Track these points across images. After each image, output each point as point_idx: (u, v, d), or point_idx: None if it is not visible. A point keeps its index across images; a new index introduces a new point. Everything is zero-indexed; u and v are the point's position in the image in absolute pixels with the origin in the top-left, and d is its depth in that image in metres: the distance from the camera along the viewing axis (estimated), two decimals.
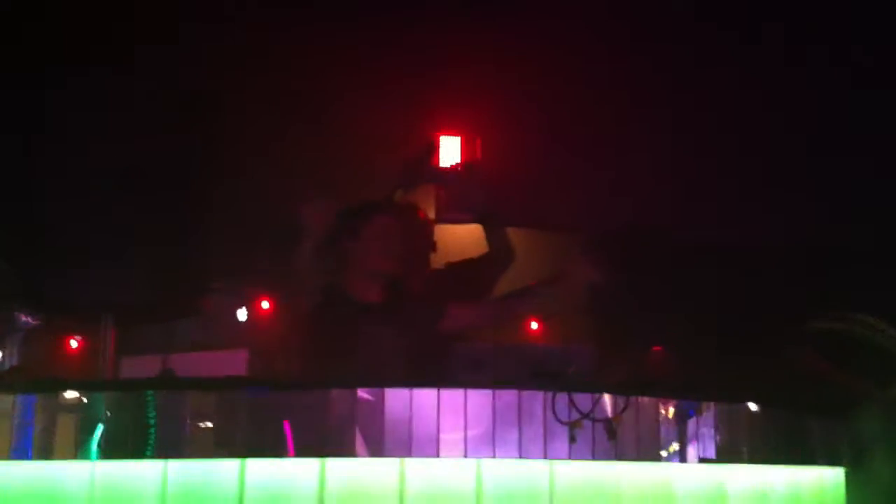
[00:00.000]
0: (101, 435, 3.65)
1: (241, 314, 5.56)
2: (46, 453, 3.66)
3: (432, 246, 5.01)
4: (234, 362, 5.01)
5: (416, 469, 3.66)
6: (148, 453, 3.62)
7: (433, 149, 5.17)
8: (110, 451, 3.63)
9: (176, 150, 6.06)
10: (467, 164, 5.25)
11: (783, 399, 4.41)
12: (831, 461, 4.54)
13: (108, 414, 3.69)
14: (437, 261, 5.09)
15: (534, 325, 5.70)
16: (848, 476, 4.62)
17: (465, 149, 6.80)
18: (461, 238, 5.22)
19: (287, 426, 3.69)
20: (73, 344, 5.21)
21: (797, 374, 5.14)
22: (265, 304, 5.47)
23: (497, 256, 5.01)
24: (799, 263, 6.57)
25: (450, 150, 6.83)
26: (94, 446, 3.64)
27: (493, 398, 3.80)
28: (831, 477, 4.56)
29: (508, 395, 3.82)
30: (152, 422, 3.67)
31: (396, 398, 3.74)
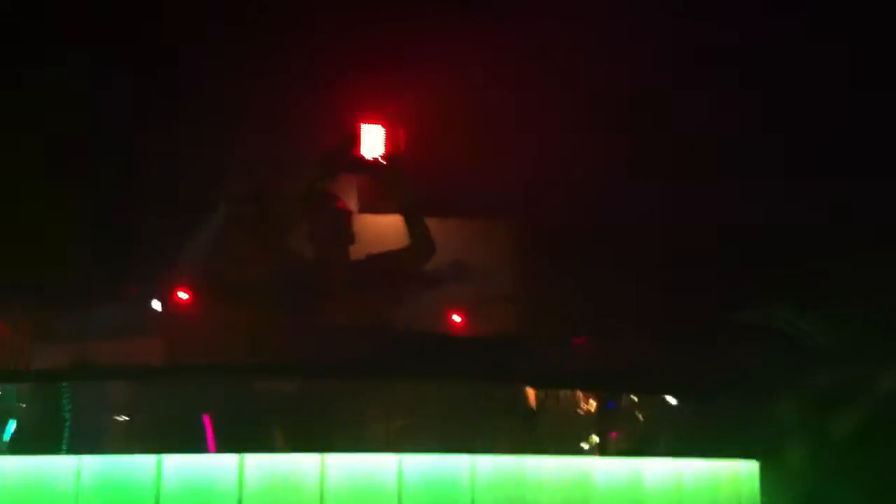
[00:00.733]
0: (13, 429, 3.57)
1: (159, 302, 5.48)
2: None
3: (351, 236, 4.99)
4: (152, 352, 4.93)
5: (337, 463, 3.64)
6: (62, 448, 3.55)
7: (354, 139, 5.15)
8: (22, 445, 3.55)
9: (92, 129, 5.92)
10: (389, 155, 5.23)
11: (699, 391, 4.48)
12: (746, 453, 4.63)
13: (21, 406, 3.60)
14: (358, 251, 5.07)
15: (456, 318, 5.71)
16: (762, 468, 4.72)
17: (389, 138, 6.77)
18: (382, 229, 5.20)
19: (206, 420, 3.64)
20: None
21: (715, 366, 5.22)
22: (183, 294, 5.40)
23: (418, 249, 5.01)
24: (722, 256, 6.66)
25: (373, 140, 6.80)
26: (4, 441, 3.55)
27: (416, 390, 3.80)
28: (746, 469, 4.65)
29: (431, 388, 3.82)
30: (67, 415, 3.60)
31: (315, 390, 3.71)
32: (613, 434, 4.06)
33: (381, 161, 5.10)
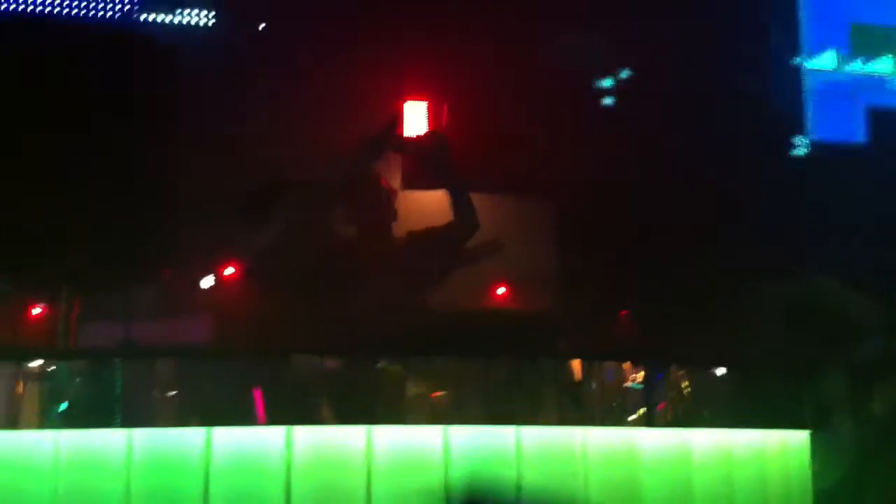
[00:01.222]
0: (67, 404, 3.62)
1: (205, 282, 5.53)
2: (11, 423, 3.62)
3: (394, 215, 4.98)
4: (198, 330, 4.98)
5: (384, 435, 3.66)
6: (114, 422, 3.60)
7: (398, 119, 5.13)
8: (76, 419, 3.60)
9: (133, 114, 5.97)
10: (434, 133, 5.19)
11: (749, 363, 4.44)
12: (796, 424, 4.58)
13: (74, 382, 3.65)
14: (402, 229, 5.08)
15: (501, 291, 5.70)
16: (812, 438, 4.67)
17: (432, 114, 6.76)
18: (426, 206, 5.19)
19: (255, 394, 3.67)
20: (36, 311, 5.15)
21: (762, 338, 5.18)
22: (229, 272, 5.44)
23: (462, 226, 5.00)
24: (761, 229, 6.61)
25: (416, 116, 6.79)
26: (59, 415, 3.60)
27: (460, 366, 3.80)
28: (796, 439, 4.60)
29: (475, 363, 3.81)
30: (118, 390, 3.64)
31: (362, 366, 3.73)
32: (660, 406, 4.04)
33: (427, 139, 5.08)
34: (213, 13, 6.64)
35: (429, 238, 5.04)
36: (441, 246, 5.02)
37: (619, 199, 6.78)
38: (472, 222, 5.03)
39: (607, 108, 6.94)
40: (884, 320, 5.22)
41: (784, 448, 4.48)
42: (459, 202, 4.99)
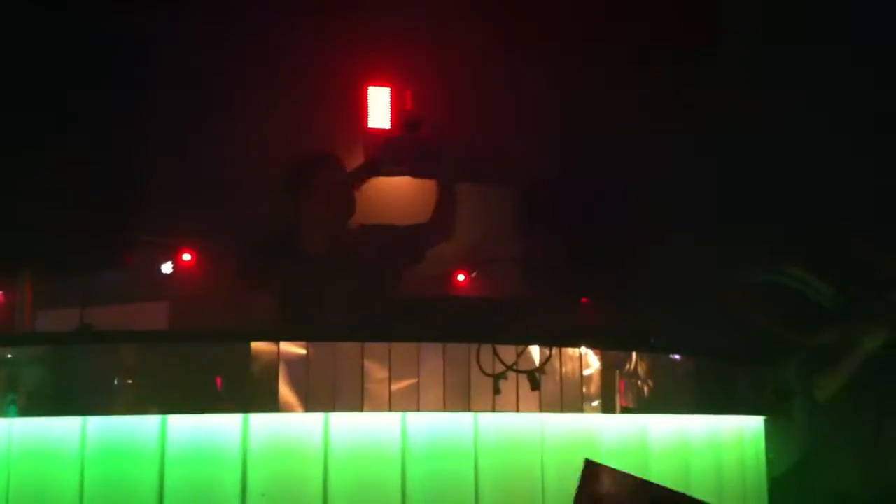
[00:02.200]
0: (20, 391, 3.57)
1: (165, 266, 5.48)
2: None
3: (353, 204, 4.97)
4: (155, 315, 4.94)
5: (342, 423, 3.65)
6: (68, 409, 3.56)
7: (415, 126, 5.08)
8: (28, 407, 3.56)
9: (102, 95, 5.91)
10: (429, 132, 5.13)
11: (706, 349, 4.47)
12: (752, 410, 4.63)
13: (27, 369, 3.60)
14: (369, 218, 5.07)
15: (460, 277, 5.69)
16: (767, 425, 4.72)
17: (395, 100, 6.75)
18: (403, 200, 5.18)
19: (211, 381, 3.64)
20: None
21: (721, 324, 5.22)
22: (187, 256, 5.39)
23: (435, 228, 5.01)
24: (729, 214, 6.64)
25: (379, 102, 6.78)
26: (11, 403, 3.56)
27: (418, 351, 3.79)
28: (751, 426, 4.65)
29: (433, 348, 3.81)
30: (72, 377, 3.60)
31: (321, 351, 3.71)
32: (619, 392, 4.05)
33: (423, 141, 5.04)
34: None
35: (396, 231, 5.04)
36: (408, 242, 5.03)
37: (579, 185, 6.79)
38: (446, 229, 5.04)
39: (575, 93, 6.94)
40: (840, 305, 5.27)
41: (740, 435, 4.53)
42: (442, 207, 5.00)
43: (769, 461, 4.66)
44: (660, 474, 4.06)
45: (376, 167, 4.99)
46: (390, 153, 5.01)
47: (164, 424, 3.54)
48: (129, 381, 3.60)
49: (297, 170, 4.96)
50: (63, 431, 3.53)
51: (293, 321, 4.66)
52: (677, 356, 4.33)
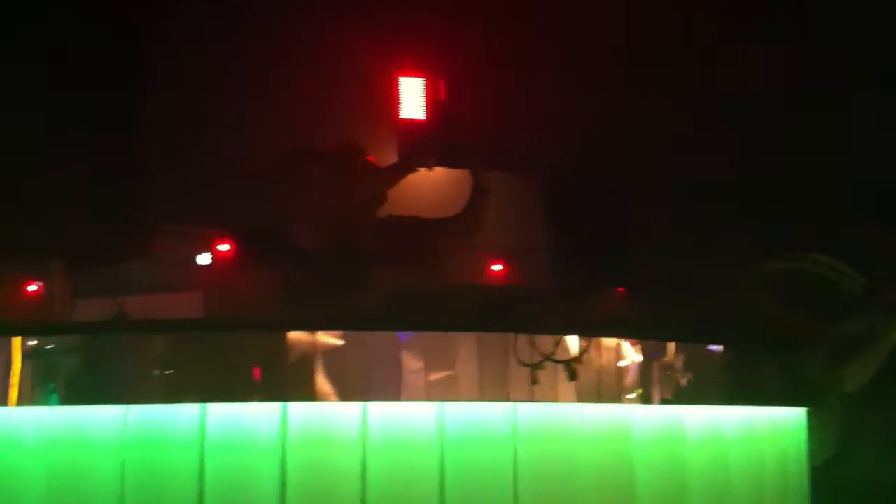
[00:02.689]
0: (59, 380, 3.59)
1: (199, 255, 5.49)
2: (3, 399, 3.60)
3: (394, 192, 4.97)
4: (193, 304, 4.96)
5: (378, 412, 3.65)
6: (107, 398, 3.58)
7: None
8: (69, 396, 3.58)
9: (130, 86, 5.93)
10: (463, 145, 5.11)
11: (746, 340, 4.43)
12: (793, 401, 4.58)
13: (66, 358, 3.62)
14: (404, 209, 5.07)
15: (496, 267, 5.67)
16: (809, 415, 4.67)
17: (428, 90, 6.73)
18: (435, 191, 5.18)
19: (249, 370, 3.65)
20: (28, 288, 5.13)
21: (757, 313, 5.17)
22: (223, 247, 5.40)
23: (474, 217, 5.01)
24: (757, 201, 6.60)
25: (411, 92, 6.76)
26: (52, 392, 3.58)
27: (455, 340, 3.78)
28: (792, 416, 4.60)
29: (469, 337, 3.80)
30: (111, 366, 3.62)
31: (356, 341, 3.71)
32: (657, 382, 4.03)
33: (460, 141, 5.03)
34: None
35: (430, 222, 5.05)
36: (443, 232, 5.03)
37: (616, 175, 6.76)
38: (481, 219, 5.04)
39: (609, 80, 6.91)
40: (871, 293, 5.22)
41: (781, 426, 4.49)
42: (476, 197, 5.00)
43: (811, 452, 4.62)
44: (696, 466, 4.04)
45: (411, 160, 4.99)
46: (425, 146, 5.01)
47: (203, 413, 3.55)
48: (167, 371, 3.61)
49: (329, 158, 4.97)
50: (103, 420, 3.54)
51: (329, 310, 4.67)
52: (716, 346, 4.29)
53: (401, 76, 7.38)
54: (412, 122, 7.06)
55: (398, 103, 7.15)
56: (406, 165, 5.03)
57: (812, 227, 5.99)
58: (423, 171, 5.07)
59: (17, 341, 3.61)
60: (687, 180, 6.83)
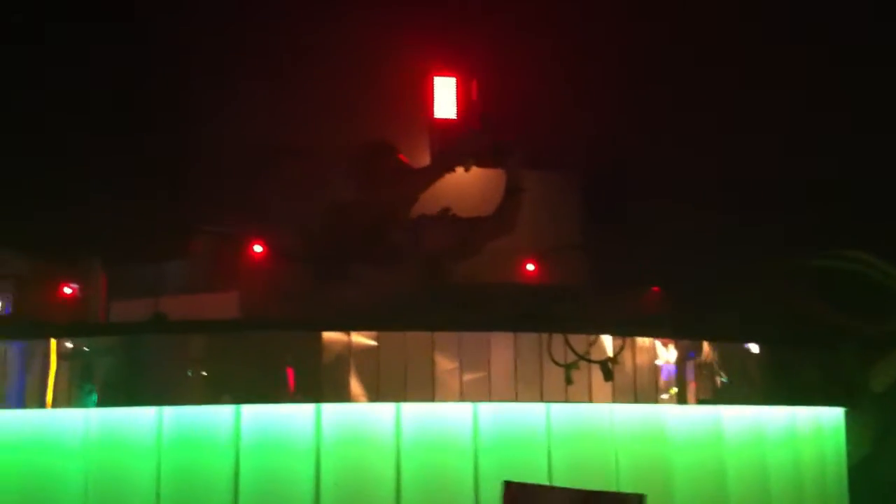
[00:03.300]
0: (97, 382, 3.61)
1: (237, 257, 5.51)
2: (41, 401, 3.62)
3: (427, 194, 4.96)
4: (228, 305, 4.97)
5: (412, 413, 3.64)
6: (143, 400, 3.59)
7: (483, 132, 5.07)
8: (106, 397, 3.59)
9: (167, 90, 5.95)
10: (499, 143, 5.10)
11: (783, 339, 4.38)
12: (832, 401, 4.52)
13: (103, 360, 3.64)
14: (438, 210, 5.07)
15: (530, 267, 5.65)
16: (847, 416, 4.61)
17: (461, 90, 6.71)
18: (468, 193, 5.17)
19: (284, 370, 3.65)
20: (65, 290, 5.17)
21: (796, 313, 5.11)
22: (259, 248, 5.41)
23: (507, 218, 5.00)
24: (795, 200, 6.53)
25: (445, 92, 6.74)
26: (89, 393, 3.60)
27: (489, 340, 3.77)
28: (830, 417, 4.54)
29: (504, 337, 3.78)
30: (146, 367, 3.63)
31: (392, 341, 3.70)
32: (693, 382, 3.99)
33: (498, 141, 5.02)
34: None
35: (464, 223, 5.04)
36: (476, 233, 5.02)
37: (651, 174, 6.71)
38: (514, 221, 5.03)
39: (649, 78, 6.86)
40: None
41: (818, 427, 4.43)
42: (510, 199, 4.99)
43: (849, 453, 4.56)
44: (735, 468, 3.99)
45: (449, 161, 4.98)
46: (462, 147, 4.99)
47: (238, 415, 3.56)
48: (203, 372, 3.62)
49: (365, 159, 4.97)
50: (140, 421, 3.56)
51: (364, 311, 4.66)
52: (751, 346, 4.25)
53: (436, 75, 7.36)
54: (447, 122, 7.04)
55: (433, 103, 7.12)
56: (444, 166, 5.01)
57: (850, 224, 5.91)
58: (459, 170, 5.05)
59: (53, 343, 3.64)
60: (723, 179, 6.77)
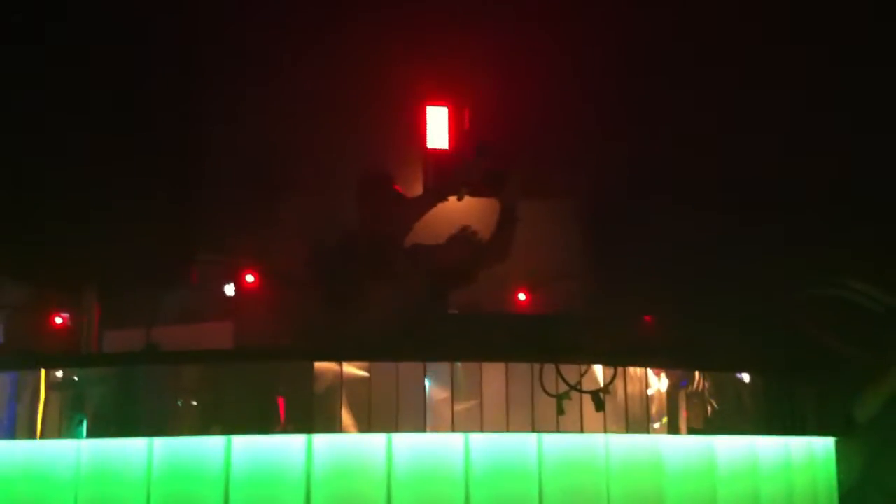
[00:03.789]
0: (87, 412, 3.61)
1: (228, 286, 5.52)
2: (31, 432, 3.62)
3: (420, 223, 4.98)
4: (219, 335, 4.98)
5: (404, 443, 3.64)
6: (134, 430, 3.59)
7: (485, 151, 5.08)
8: (96, 428, 3.59)
9: (162, 117, 5.97)
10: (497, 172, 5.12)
11: (776, 369, 4.39)
12: (823, 430, 4.53)
13: (94, 391, 3.64)
14: (430, 238, 5.08)
15: (521, 296, 5.67)
16: (838, 445, 4.61)
17: (453, 119, 6.74)
18: (459, 219, 5.19)
19: (275, 401, 3.65)
20: (57, 320, 5.18)
21: (788, 342, 5.12)
22: (250, 277, 5.43)
23: (500, 246, 5.02)
24: (791, 229, 6.55)
25: (437, 121, 6.77)
26: (79, 424, 3.59)
27: (480, 370, 3.77)
28: (821, 447, 4.55)
29: (495, 367, 3.78)
30: (138, 398, 3.63)
31: (383, 371, 3.70)
32: (684, 412, 3.99)
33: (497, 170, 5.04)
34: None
35: (455, 252, 5.05)
36: (468, 261, 5.04)
37: (641, 202, 6.72)
38: (506, 249, 5.05)
39: (636, 104, 6.89)
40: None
41: (810, 457, 4.43)
42: (505, 234, 5.02)
43: (840, 482, 4.56)
44: (728, 500, 3.99)
45: (442, 191, 5.00)
46: (456, 178, 5.01)
47: (228, 446, 3.55)
48: (194, 402, 3.61)
49: (361, 190, 5.00)
50: (130, 452, 3.55)
51: (355, 341, 4.67)
52: (743, 375, 4.26)
53: (428, 105, 7.39)
54: (439, 152, 7.07)
55: (425, 132, 7.15)
56: (437, 196, 5.03)
57: (843, 252, 5.93)
58: (452, 199, 5.07)
59: (43, 374, 3.63)
60: (718, 208, 6.79)
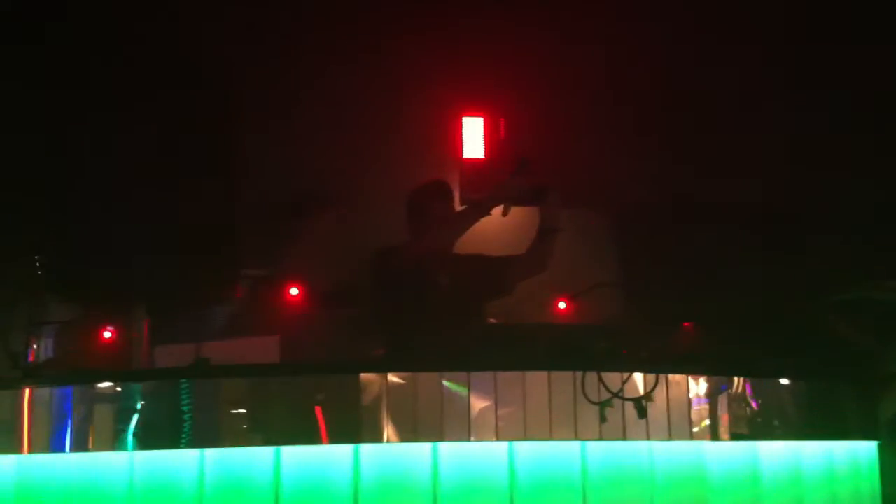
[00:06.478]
0: (138, 425, 3.69)
1: (274, 300, 5.60)
2: (84, 445, 3.71)
3: (462, 233, 5.01)
4: (266, 349, 5.06)
5: (449, 452, 3.68)
6: (184, 442, 3.66)
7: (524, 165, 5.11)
8: (147, 440, 3.67)
9: (203, 133, 6.07)
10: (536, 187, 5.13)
11: (816, 372, 4.39)
12: (865, 434, 4.52)
13: (144, 403, 3.72)
14: (470, 249, 5.11)
15: (561, 305, 5.69)
16: (881, 449, 4.61)
17: (488, 129, 6.79)
18: (500, 231, 5.22)
19: (319, 412, 3.71)
20: (107, 335, 5.27)
21: (829, 345, 5.12)
22: (295, 291, 5.50)
23: (541, 256, 5.04)
24: (827, 232, 6.54)
25: (473, 132, 6.83)
26: (131, 437, 3.68)
27: (523, 379, 3.81)
28: (865, 454, 4.54)
29: (538, 376, 3.83)
30: (187, 410, 3.71)
31: (427, 382, 3.76)
32: (726, 418, 4.01)
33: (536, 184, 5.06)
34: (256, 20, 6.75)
35: (498, 261, 5.09)
36: (510, 272, 5.07)
37: (680, 209, 6.75)
38: (547, 259, 5.07)
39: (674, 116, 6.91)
40: None
41: (853, 458, 4.43)
42: (543, 237, 5.04)
43: (883, 486, 4.55)
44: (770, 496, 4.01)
45: (486, 205, 5.00)
46: (499, 192, 5.01)
47: (277, 458, 3.62)
48: (242, 413, 3.69)
49: (407, 203, 5.04)
50: (181, 466, 3.63)
51: (399, 351, 4.73)
52: (785, 379, 4.27)
53: (464, 116, 7.44)
54: (475, 161, 7.11)
55: (461, 143, 7.21)
56: (481, 210, 5.04)
57: (885, 254, 5.91)
58: (496, 212, 5.10)
59: (92, 388, 3.73)
60: (758, 215, 6.79)
